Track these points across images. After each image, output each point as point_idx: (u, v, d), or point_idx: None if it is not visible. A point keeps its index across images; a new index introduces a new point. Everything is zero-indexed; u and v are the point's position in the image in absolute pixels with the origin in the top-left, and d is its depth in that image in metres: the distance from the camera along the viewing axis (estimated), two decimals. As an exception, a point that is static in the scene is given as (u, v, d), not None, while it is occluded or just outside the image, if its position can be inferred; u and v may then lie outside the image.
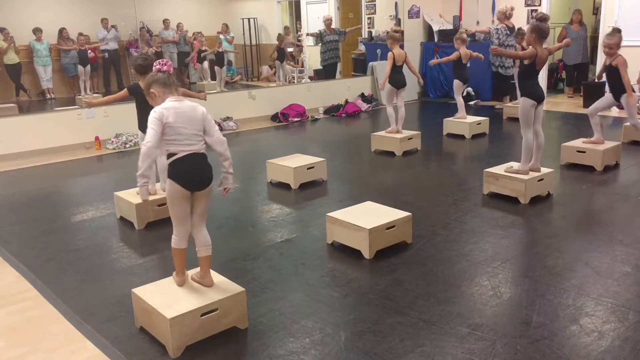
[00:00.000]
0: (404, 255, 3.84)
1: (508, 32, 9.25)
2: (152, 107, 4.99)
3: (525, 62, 4.72)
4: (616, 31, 5.69)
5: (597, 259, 3.68)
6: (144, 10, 11.79)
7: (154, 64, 2.93)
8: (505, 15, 9.35)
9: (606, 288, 3.28)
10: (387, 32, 6.80)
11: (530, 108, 4.76)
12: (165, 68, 2.92)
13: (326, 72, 10.98)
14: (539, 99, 4.79)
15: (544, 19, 4.65)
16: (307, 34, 11.80)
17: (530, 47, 4.65)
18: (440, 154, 7.05)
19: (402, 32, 6.81)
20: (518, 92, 5.29)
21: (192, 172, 2.86)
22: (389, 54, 6.80)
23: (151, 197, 4.64)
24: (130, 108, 8.61)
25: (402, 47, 7.11)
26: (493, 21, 9.52)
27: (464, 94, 10.36)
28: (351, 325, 3.00)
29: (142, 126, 4.52)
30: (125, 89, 4.91)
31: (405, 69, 6.92)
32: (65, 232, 4.58)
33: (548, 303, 3.13)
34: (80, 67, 11.32)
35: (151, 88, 2.93)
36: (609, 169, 5.77)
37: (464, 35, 7.66)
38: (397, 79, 6.85)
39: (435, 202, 4.99)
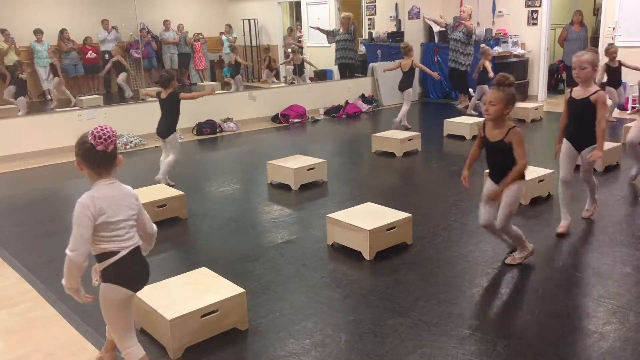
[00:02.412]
0: (404, 257, 3.84)
1: (467, 35, 9.62)
2: (176, 116, 5.52)
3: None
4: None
5: (598, 259, 3.68)
6: (144, 11, 11.80)
7: (89, 134, 2.22)
8: (470, 15, 9.68)
9: (607, 289, 3.28)
10: None
11: None
12: (100, 148, 2.19)
13: (340, 71, 11.04)
14: None
15: None
16: (317, 28, 11.62)
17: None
18: (440, 154, 7.04)
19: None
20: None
21: (138, 269, 2.36)
22: None
23: (151, 199, 4.64)
24: (130, 109, 8.65)
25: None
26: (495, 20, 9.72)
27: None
28: (352, 326, 3.00)
29: (161, 131, 5.59)
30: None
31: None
32: (66, 234, 4.52)
33: (548, 304, 3.13)
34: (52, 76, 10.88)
35: (77, 159, 2.25)
36: (610, 169, 5.77)
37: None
38: None
39: (435, 203, 4.99)
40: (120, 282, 2.28)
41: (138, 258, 2.35)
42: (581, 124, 3.99)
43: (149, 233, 2.47)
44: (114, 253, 2.26)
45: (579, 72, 3.95)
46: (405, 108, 8.13)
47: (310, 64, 12.12)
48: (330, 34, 10.99)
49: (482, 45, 9.38)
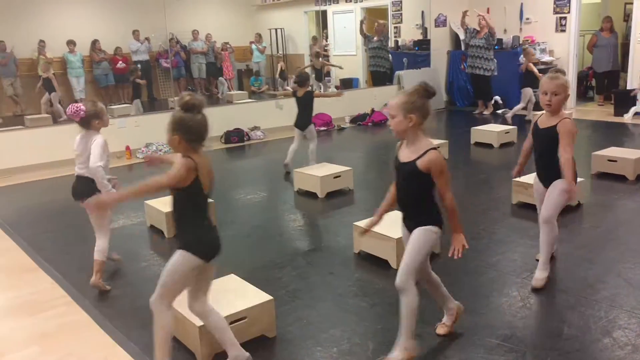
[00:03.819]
0: (431, 265, 3.81)
1: (488, 40, 9.78)
2: (311, 110, 6.32)
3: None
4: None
5: (630, 270, 3.61)
6: (174, 21, 11.99)
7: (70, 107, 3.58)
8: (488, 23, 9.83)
9: (639, 300, 3.22)
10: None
11: None
12: (71, 117, 3.60)
13: (372, 78, 11.09)
14: None
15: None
16: (362, 21, 11.43)
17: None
18: (468, 163, 7.00)
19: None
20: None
21: (74, 188, 3.74)
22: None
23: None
24: (160, 118, 8.78)
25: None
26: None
27: (492, 102, 10.31)
28: (379, 335, 3.00)
29: (300, 124, 6.41)
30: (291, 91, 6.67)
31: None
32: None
33: (579, 315, 3.09)
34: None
35: None
36: (642, 178, 5.66)
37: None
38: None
39: (463, 212, 4.92)
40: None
41: (77, 182, 3.71)
42: (410, 199, 2.83)
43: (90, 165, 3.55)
44: None
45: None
46: (518, 106, 8.81)
47: (332, 65, 12.17)
48: (365, 38, 11.15)
49: (525, 46, 9.32)
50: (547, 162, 3.43)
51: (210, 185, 2.52)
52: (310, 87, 6.48)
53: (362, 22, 11.34)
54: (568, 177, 3.22)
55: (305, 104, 6.37)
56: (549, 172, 3.43)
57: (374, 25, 11.11)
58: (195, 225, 2.53)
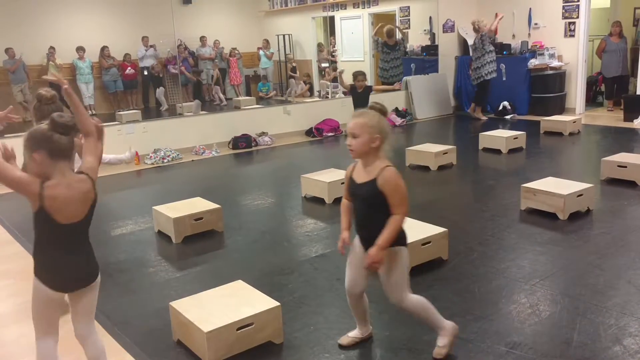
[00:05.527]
0: (440, 272, 3.81)
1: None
2: (367, 104, 6.67)
3: None
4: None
5: (641, 277, 3.58)
6: (182, 28, 12.06)
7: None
8: (479, 27, 9.81)
9: (650, 307, 3.18)
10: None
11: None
12: None
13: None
14: None
15: None
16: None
17: None
18: (476, 168, 6.97)
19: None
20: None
21: None
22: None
23: (188, 212, 4.72)
24: (168, 124, 8.81)
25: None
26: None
27: (500, 107, 10.27)
28: (386, 342, 2.98)
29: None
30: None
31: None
32: (105, 245, 4.68)
33: (589, 322, 3.06)
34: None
35: None
36: (652, 184, 5.62)
37: None
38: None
39: (471, 218, 4.93)
40: None
41: None
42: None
43: None
44: None
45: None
46: None
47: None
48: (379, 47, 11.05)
49: None
50: (369, 227, 2.70)
51: None
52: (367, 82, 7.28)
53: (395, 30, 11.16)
54: (383, 238, 2.57)
55: (364, 98, 7.07)
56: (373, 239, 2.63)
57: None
58: None
